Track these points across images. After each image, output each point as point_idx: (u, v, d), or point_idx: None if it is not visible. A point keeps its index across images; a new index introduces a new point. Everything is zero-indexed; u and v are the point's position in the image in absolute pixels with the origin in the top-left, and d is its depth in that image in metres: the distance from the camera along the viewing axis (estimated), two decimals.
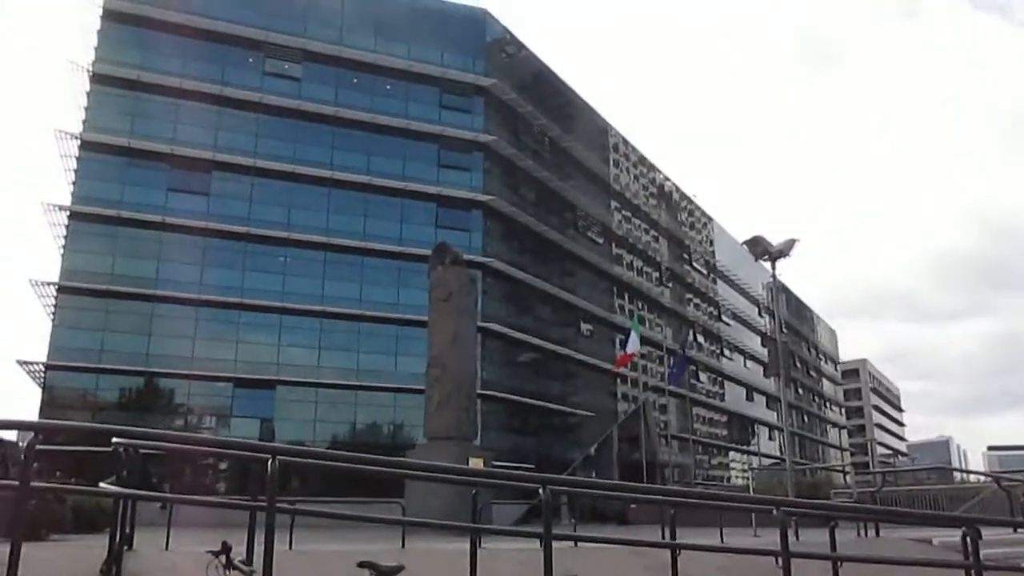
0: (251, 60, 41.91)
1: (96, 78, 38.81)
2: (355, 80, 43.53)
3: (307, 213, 41.07)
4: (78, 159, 38.16)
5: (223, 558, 5.57)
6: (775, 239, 22.58)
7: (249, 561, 5.81)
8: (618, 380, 55.34)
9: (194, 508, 11.84)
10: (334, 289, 40.44)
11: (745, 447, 73.25)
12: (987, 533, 9.00)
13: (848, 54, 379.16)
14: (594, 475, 48.44)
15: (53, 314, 36.75)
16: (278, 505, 5.77)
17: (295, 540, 11.27)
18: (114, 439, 7.17)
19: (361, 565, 5.50)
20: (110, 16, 39.57)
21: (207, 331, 38.16)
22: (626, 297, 59.26)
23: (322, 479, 25.78)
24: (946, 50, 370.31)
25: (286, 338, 39.69)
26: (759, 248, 22.43)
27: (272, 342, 39.29)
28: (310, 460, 7.17)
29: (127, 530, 8.39)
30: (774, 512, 6.93)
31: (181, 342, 37.21)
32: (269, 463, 5.69)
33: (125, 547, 8.22)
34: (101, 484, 7.42)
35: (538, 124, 50.43)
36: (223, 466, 35.03)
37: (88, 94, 38.83)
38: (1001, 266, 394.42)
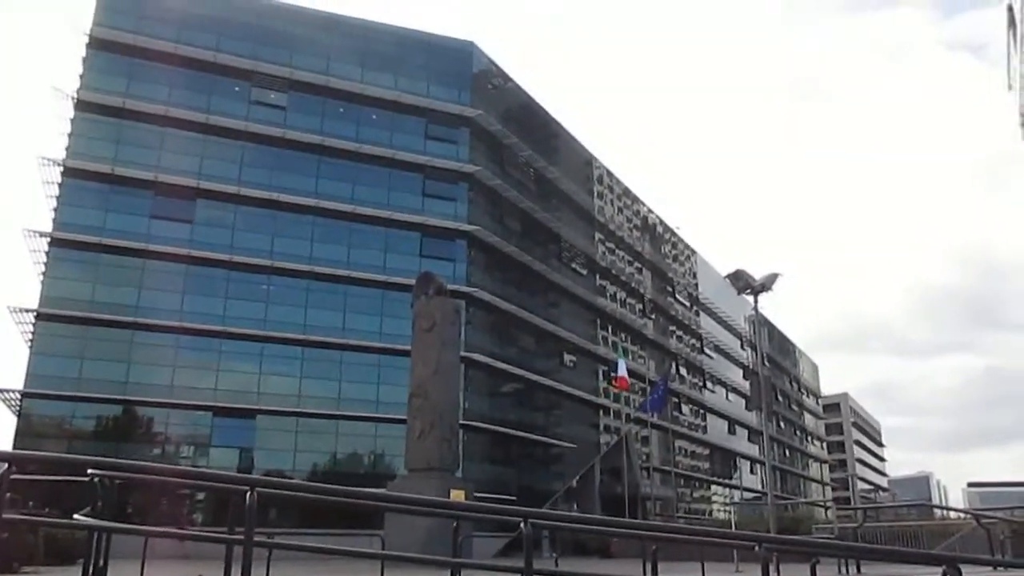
0: (237, 89, 42.02)
1: (80, 105, 38.77)
2: (341, 110, 43.74)
3: (291, 241, 41.01)
4: (60, 186, 37.97)
5: None
6: (758, 273, 22.79)
7: None
8: (600, 412, 55.28)
9: (170, 540, 11.65)
10: (317, 318, 40.27)
11: (727, 480, 73.21)
12: (967, 571, 9.00)
13: (835, 93, 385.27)
14: (576, 507, 48.17)
15: (31, 341, 36.33)
16: (256, 538, 5.70)
17: (274, 572, 11.11)
18: (90, 470, 7.08)
19: None
20: (96, 43, 39.62)
21: (187, 359, 37.87)
22: (609, 328, 59.35)
23: (301, 510, 25.55)
24: (930, 90, 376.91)
25: (267, 367, 39.39)
26: (741, 282, 22.58)
27: (253, 371, 38.98)
28: (289, 492, 7.10)
29: (101, 563, 8.24)
30: (757, 548, 6.90)
31: (161, 370, 36.86)
32: (248, 495, 5.63)
33: None
34: (76, 516, 7.30)
35: (523, 155, 50.78)
36: (200, 497, 34.54)
37: (72, 121, 38.74)
38: (982, 302, 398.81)
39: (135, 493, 25.21)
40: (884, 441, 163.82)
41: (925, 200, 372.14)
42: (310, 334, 39.58)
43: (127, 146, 39.08)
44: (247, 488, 5.71)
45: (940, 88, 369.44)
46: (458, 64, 47.71)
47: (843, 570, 13.99)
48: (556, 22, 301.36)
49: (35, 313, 36.25)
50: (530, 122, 52.79)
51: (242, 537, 5.59)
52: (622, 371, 41.74)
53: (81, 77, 39.32)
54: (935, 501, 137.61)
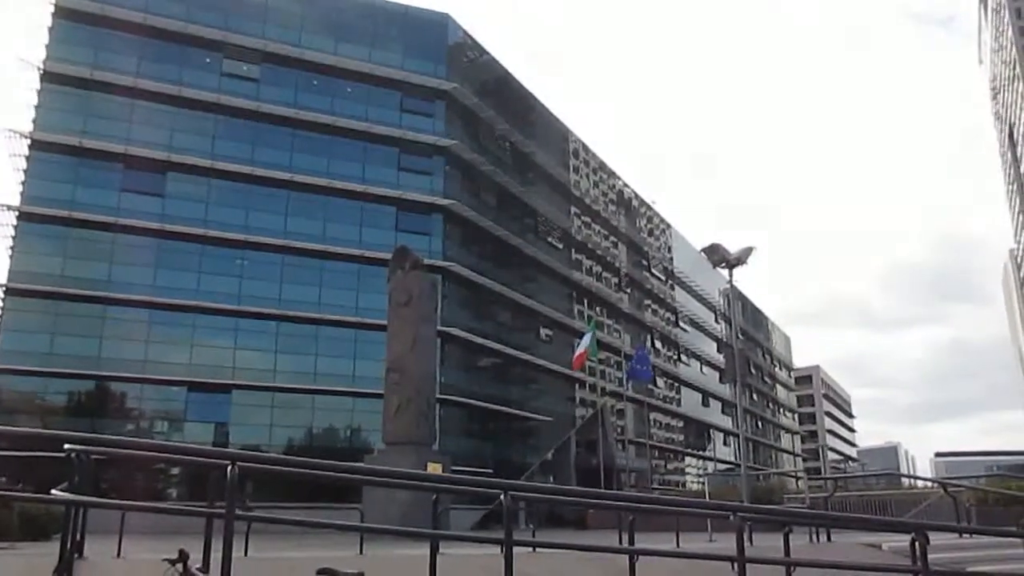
0: (208, 60, 41.34)
1: (47, 76, 38.00)
2: (315, 82, 43.21)
3: (265, 215, 40.63)
4: (28, 159, 37.31)
5: (180, 566, 5.49)
6: (732, 247, 22.93)
7: (206, 569, 5.74)
8: (576, 385, 55.60)
9: (144, 515, 11.63)
10: (292, 292, 40.05)
11: (701, 452, 74.14)
12: (934, 538, 9.24)
13: (807, 67, 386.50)
14: (552, 480, 48.64)
15: (0, 317, 35.84)
16: (236, 512, 5.70)
17: (251, 547, 11.13)
18: (67, 445, 7.04)
19: (321, 572, 5.46)
20: (63, 13, 38.76)
21: (161, 334, 37.58)
22: (585, 302, 59.58)
23: (278, 485, 25.54)
24: (899, 63, 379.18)
25: (242, 341, 39.18)
26: (717, 255, 22.71)
27: (228, 346, 38.77)
28: (270, 467, 7.11)
29: (78, 537, 8.22)
30: (731, 518, 7.03)
31: (134, 345, 36.53)
32: (228, 470, 5.62)
33: (76, 555, 8.06)
34: (53, 491, 7.26)
35: (499, 129, 50.53)
36: (175, 471, 34.45)
37: (39, 92, 37.96)
38: (949, 275, 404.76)
39: (109, 469, 25.08)
40: (854, 412, 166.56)
41: (895, 174, 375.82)
42: (285, 309, 39.38)
43: (96, 118, 38.40)
44: (228, 463, 5.70)
45: (908, 61, 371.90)
46: (433, 37, 47.21)
47: (814, 538, 14.26)
48: None
49: (4, 288, 35.79)
50: (506, 96, 52.47)
51: (223, 511, 5.59)
52: (581, 347, 40.74)
53: (47, 47, 38.49)
54: (903, 471, 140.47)
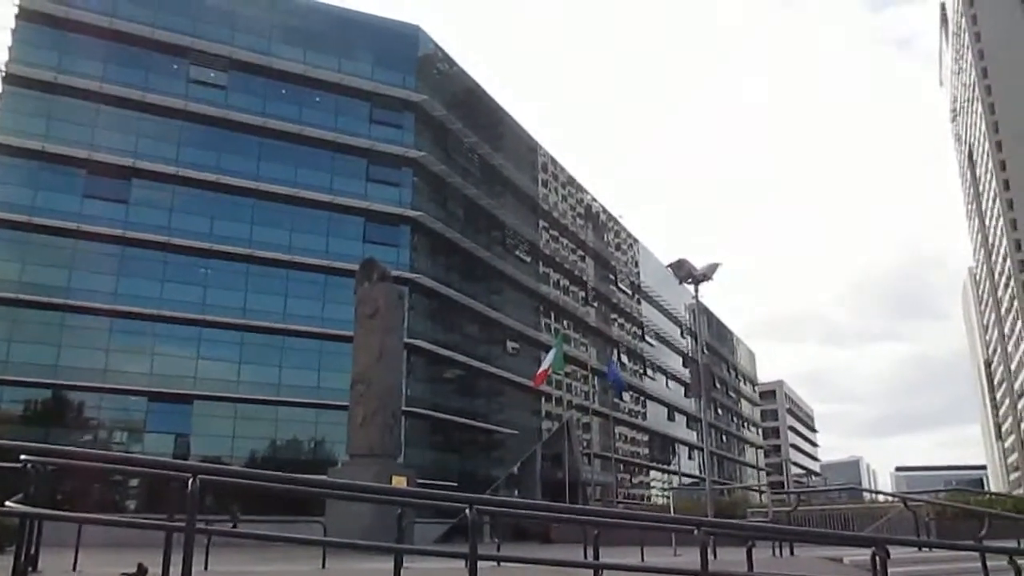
0: (175, 67, 40.89)
1: (10, 79, 37.31)
2: (283, 91, 42.94)
3: (231, 224, 40.18)
4: None
5: None
6: (699, 262, 23.16)
7: None
8: (542, 398, 55.62)
9: (100, 528, 11.39)
10: (257, 302, 39.64)
11: (666, 466, 74.51)
12: (895, 552, 9.36)
13: (766, 87, 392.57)
14: (517, 493, 48.53)
15: None
16: (196, 526, 5.62)
17: (212, 561, 10.95)
18: (23, 456, 6.88)
19: None
20: (27, 15, 38.13)
21: (121, 343, 36.94)
22: (552, 316, 59.71)
23: (239, 498, 25.17)
24: (860, 82, 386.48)
25: (205, 351, 38.65)
26: (683, 271, 22.92)
27: (190, 355, 38.20)
28: (231, 480, 7.00)
29: (32, 551, 8.03)
30: (696, 532, 7.06)
31: (93, 354, 35.86)
32: (189, 482, 5.54)
33: (30, 568, 7.87)
34: (7, 503, 7.08)
35: (468, 142, 50.59)
36: (134, 483, 33.81)
37: (1, 95, 37.28)
38: (909, 292, 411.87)
39: (66, 480, 24.54)
40: (817, 427, 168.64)
41: (855, 193, 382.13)
42: (250, 319, 38.96)
43: (59, 122, 37.75)
44: (189, 475, 5.62)
45: (869, 80, 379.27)
46: (403, 48, 47.20)
47: (778, 552, 14.37)
48: (503, 10, 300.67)
49: None
50: (475, 108, 52.59)
51: (184, 524, 5.50)
52: (545, 363, 40.26)
53: (10, 50, 37.79)
54: (865, 485, 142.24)
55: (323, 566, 11.48)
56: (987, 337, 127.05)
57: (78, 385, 35.57)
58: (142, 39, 39.56)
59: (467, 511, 6.45)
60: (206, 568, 10.31)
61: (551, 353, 38.26)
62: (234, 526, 12.24)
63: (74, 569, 10.14)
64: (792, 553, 14.32)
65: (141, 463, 6.17)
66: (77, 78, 37.73)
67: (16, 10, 38.01)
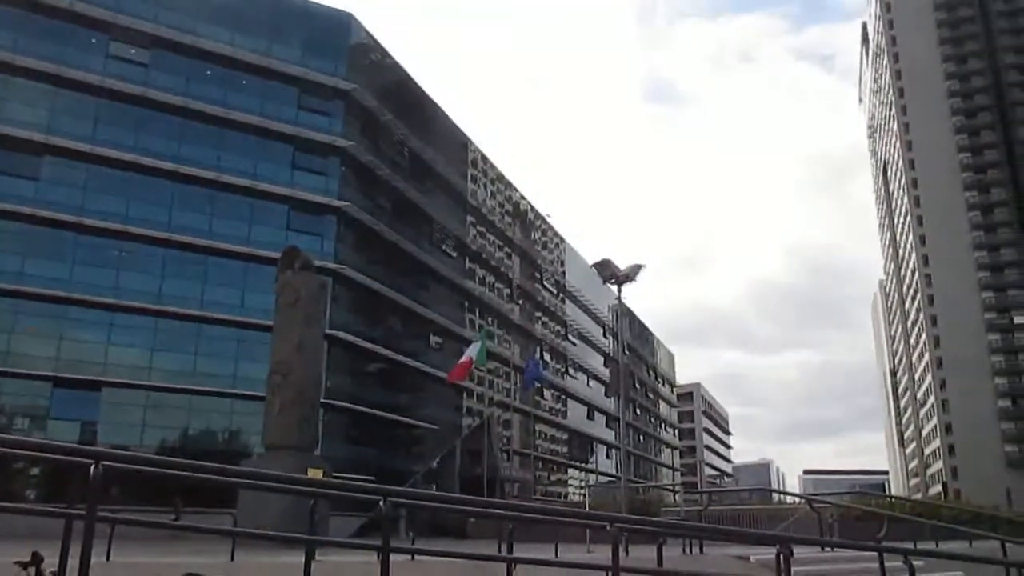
0: (94, 41, 39.34)
1: None
2: (208, 72, 41.79)
3: (148, 207, 38.93)
4: None
5: (32, 570, 5.15)
6: (622, 263, 23.49)
7: (62, 573, 5.41)
8: (464, 394, 55.59)
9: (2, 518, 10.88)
10: (173, 288, 38.53)
11: (583, 464, 75.34)
12: (799, 551, 9.66)
13: (689, 95, 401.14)
14: (435, 488, 48.37)
15: None
16: (98, 514, 5.40)
17: (115, 552, 10.58)
18: None
19: None
20: None
21: (26, 325, 35.39)
22: (477, 312, 59.72)
23: (147, 488, 24.39)
24: (779, 96, 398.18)
25: (117, 337, 37.38)
26: (607, 271, 23.20)
27: (100, 340, 36.89)
28: (136, 467, 6.75)
29: None
30: (608, 528, 7.15)
31: None
32: (92, 469, 5.32)
33: None
34: None
35: (398, 134, 50.16)
36: (34, 471, 32.43)
37: None
38: (820, 301, 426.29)
39: None
40: (731, 429, 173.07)
41: (771, 202, 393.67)
42: (165, 304, 37.81)
43: None
44: (91, 461, 5.40)
45: (789, 94, 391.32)
46: (335, 35, 46.48)
47: (688, 550, 14.68)
48: (440, 10, 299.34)
49: None
50: (407, 101, 52.14)
51: (83, 512, 5.29)
52: (465, 357, 39.43)
53: None
54: (774, 487, 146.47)
55: (232, 558, 11.23)
56: (894, 348, 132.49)
57: None
58: (60, 10, 37.94)
59: (380, 503, 6.38)
60: (108, 559, 9.98)
61: (471, 348, 38.13)
62: (176, 518, 11.85)
63: None
64: (702, 551, 14.65)
65: (37, 447, 5.89)
66: None
67: None
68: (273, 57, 42.95)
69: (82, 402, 36.27)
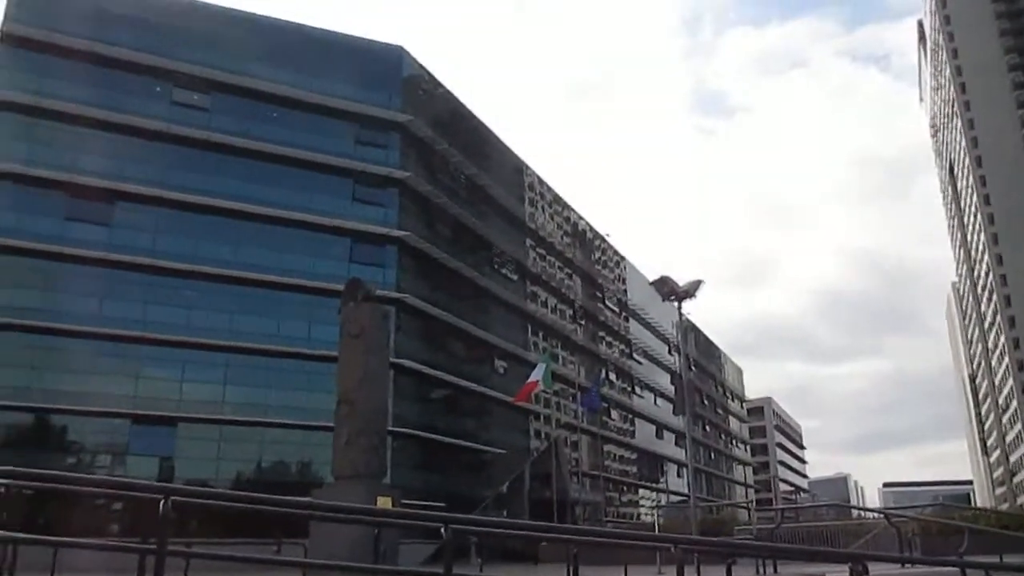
0: (158, 89, 40.90)
1: None
2: (268, 113, 43.03)
3: (216, 246, 40.18)
4: None
5: None
6: (682, 279, 23.26)
7: None
8: (531, 417, 55.53)
9: (84, 552, 11.30)
10: (242, 324, 39.53)
11: (654, 484, 74.30)
12: (876, 569, 9.37)
13: (743, 104, 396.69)
14: (505, 513, 48.26)
15: None
16: (171, 548, 5.59)
17: None
18: None
19: None
20: (8, 39, 38.08)
21: (104, 366, 36.70)
22: (540, 334, 59.72)
23: (222, 520, 24.99)
24: (835, 99, 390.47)
25: (190, 373, 38.48)
26: (666, 288, 23.03)
27: (175, 377, 38.03)
28: (205, 501, 6.96)
29: None
30: (673, 549, 7.08)
31: (76, 377, 35.62)
32: (161, 504, 5.51)
33: None
34: None
35: (454, 161, 50.76)
36: (117, 506, 33.43)
37: None
38: (889, 307, 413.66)
39: (47, 504, 24.29)
40: (804, 443, 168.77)
41: (831, 208, 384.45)
42: (235, 340, 38.79)
43: (41, 145, 37.70)
44: (161, 496, 5.59)
45: (843, 97, 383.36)
46: (387, 69, 47.42)
47: (761, 570, 14.37)
48: (483, 32, 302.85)
49: None
50: (461, 128, 52.81)
51: (155, 547, 5.47)
52: (532, 377, 39.47)
53: None
54: (852, 501, 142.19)
55: None
56: (971, 351, 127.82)
57: (61, 408, 35.27)
58: (124, 62, 39.56)
59: (443, 530, 6.45)
60: None
61: (536, 370, 38.13)
62: (278, 550, 12.20)
63: None
64: (775, 570, 14.32)
65: (113, 485, 6.14)
66: (59, 101, 37.64)
67: None
68: (329, 94, 44.02)
69: (159, 438, 37.35)
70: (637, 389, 76.32)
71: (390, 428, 31.00)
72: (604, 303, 73.31)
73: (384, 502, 21.82)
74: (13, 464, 7.38)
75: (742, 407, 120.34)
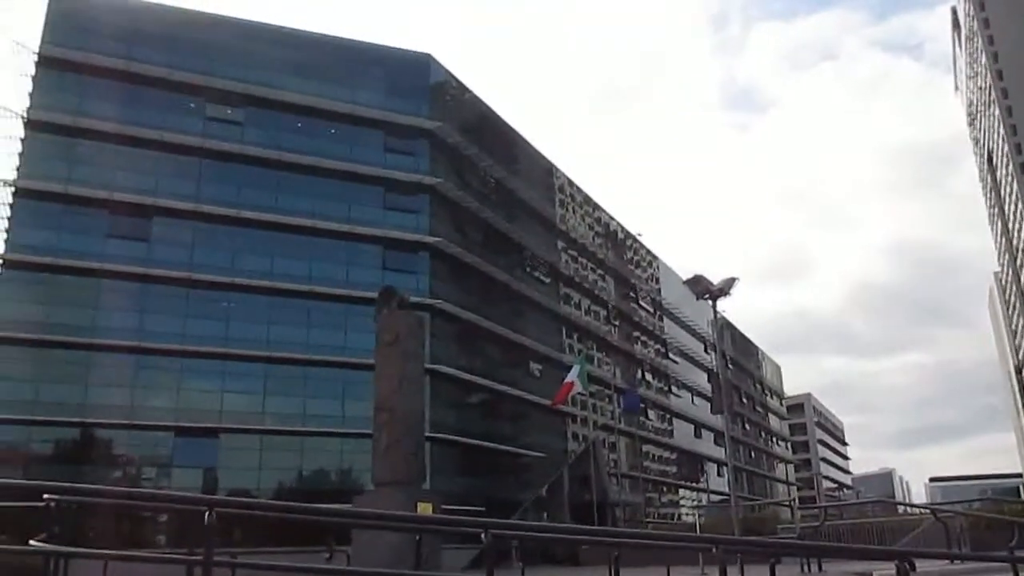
0: (192, 105, 41.60)
1: (31, 124, 38.11)
2: (299, 124, 43.50)
3: (251, 257, 40.72)
4: (12, 206, 37.31)
5: None
6: (716, 277, 23.10)
7: None
8: (568, 420, 55.39)
9: (131, 564, 11.48)
10: (279, 334, 39.96)
11: (694, 484, 73.72)
12: (923, 565, 9.23)
13: (775, 98, 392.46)
14: (545, 516, 48.16)
15: None
16: (217, 559, 5.68)
17: None
18: (45, 495, 6.99)
19: None
20: (46, 62, 38.95)
21: (147, 379, 37.42)
22: (575, 336, 59.59)
23: (266, 529, 25.27)
24: (867, 88, 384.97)
25: (230, 384, 39.00)
26: (700, 287, 22.88)
27: (215, 389, 38.57)
28: (247, 511, 7.05)
29: None
30: (714, 550, 7.04)
31: (119, 391, 36.34)
32: (206, 515, 5.60)
33: None
34: (31, 541, 7.19)
35: (483, 166, 50.87)
36: (163, 518, 34.01)
37: (23, 140, 38.08)
38: (929, 299, 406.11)
39: (96, 517, 24.76)
40: (847, 439, 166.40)
41: (866, 200, 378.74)
42: (273, 350, 39.24)
43: (80, 165, 38.56)
44: (205, 508, 5.68)
45: (876, 87, 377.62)
46: (415, 77, 47.72)
47: (805, 568, 14.20)
48: (509, 34, 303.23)
49: None
50: (489, 133, 52.92)
51: (201, 558, 5.57)
52: (569, 379, 39.46)
53: (31, 96, 38.65)
54: (898, 497, 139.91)
55: None
56: (1016, 342, 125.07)
57: (106, 422, 35.99)
58: (158, 80, 40.29)
59: (483, 536, 6.48)
60: None
61: (572, 372, 38.06)
62: (329, 558, 12.39)
63: None
64: (820, 568, 14.14)
65: (158, 498, 6.25)
66: (96, 121, 38.41)
67: (35, 57, 38.85)
68: (358, 103, 44.40)
69: (202, 449, 37.92)
70: (674, 388, 75.80)
71: (428, 434, 31.10)
72: (638, 303, 72.93)
73: (424, 508, 21.93)
74: (61, 479, 7.56)
75: (781, 404, 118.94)
